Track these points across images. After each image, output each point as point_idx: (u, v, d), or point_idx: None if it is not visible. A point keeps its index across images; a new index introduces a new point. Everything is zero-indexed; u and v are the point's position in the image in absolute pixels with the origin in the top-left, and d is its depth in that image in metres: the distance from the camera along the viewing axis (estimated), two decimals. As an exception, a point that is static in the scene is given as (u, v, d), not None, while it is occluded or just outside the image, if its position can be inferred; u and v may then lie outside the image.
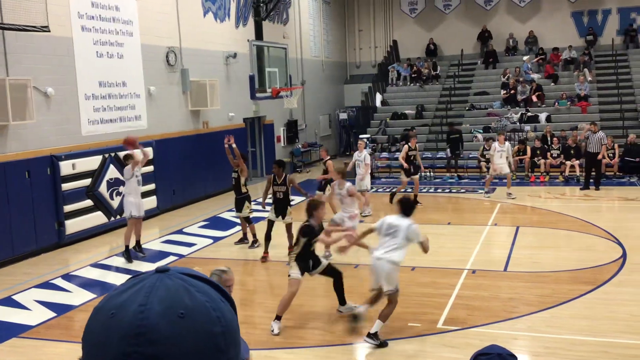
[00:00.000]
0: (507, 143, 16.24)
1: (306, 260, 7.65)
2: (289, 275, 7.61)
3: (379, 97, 25.06)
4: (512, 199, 15.37)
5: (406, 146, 15.38)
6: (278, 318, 7.48)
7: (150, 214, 13.51)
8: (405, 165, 15.05)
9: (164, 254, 11.52)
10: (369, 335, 6.95)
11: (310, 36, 25.07)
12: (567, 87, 22.43)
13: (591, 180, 16.30)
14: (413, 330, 7.43)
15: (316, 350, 7.14)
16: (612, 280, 8.95)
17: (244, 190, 11.62)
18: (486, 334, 7.17)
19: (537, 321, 7.53)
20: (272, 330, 7.42)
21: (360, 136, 21.80)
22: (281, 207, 10.85)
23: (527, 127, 20.75)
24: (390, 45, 27.77)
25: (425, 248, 7.15)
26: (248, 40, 17.98)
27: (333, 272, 7.83)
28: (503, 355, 2.75)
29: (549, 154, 18.47)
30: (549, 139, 18.97)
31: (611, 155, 17.39)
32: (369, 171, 14.93)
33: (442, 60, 26.36)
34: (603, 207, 14.72)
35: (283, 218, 10.85)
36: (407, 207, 7.32)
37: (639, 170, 17.66)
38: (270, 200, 11.11)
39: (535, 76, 23.27)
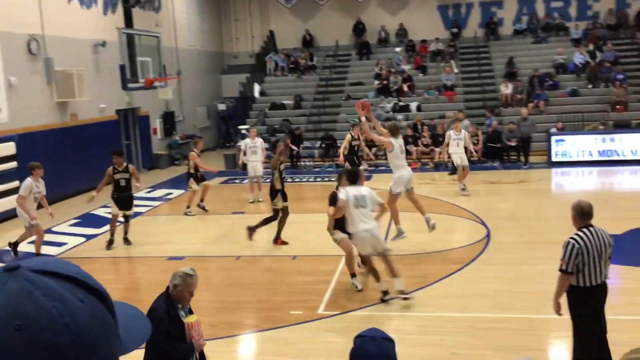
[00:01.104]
0: (463, 131, 14.82)
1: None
2: (336, 241, 8.41)
3: (257, 88, 25.01)
4: (466, 195, 14.19)
5: (348, 135, 14.36)
6: (354, 275, 8.34)
7: (14, 214, 12.61)
8: (341, 158, 14.14)
9: (31, 256, 10.83)
10: (401, 292, 7.70)
11: (185, 25, 24.46)
12: (435, 78, 23.58)
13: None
14: (294, 317, 7.56)
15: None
16: (478, 259, 9.59)
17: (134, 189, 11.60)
18: (364, 317, 7.44)
19: (411, 301, 7.91)
20: (357, 287, 8.24)
21: (240, 127, 21.67)
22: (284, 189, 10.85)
23: (400, 116, 21.60)
24: (267, 36, 27.76)
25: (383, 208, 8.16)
26: (117, 28, 17.24)
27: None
28: (376, 338, 2.86)
29: (419, 141, 19.37)
30: (419, 127, 19.88)
31: (475, 141, 18.53)
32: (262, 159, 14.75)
33: (319, 51, 26.74)
34: (469, 190, 15.65)
35: (285, 201, 10.78)
36: (355, 176, 8.09)
37: (500, 155, 19.00)
38: (275, 188, 10.72)
39: (406, 67, 24.25)
